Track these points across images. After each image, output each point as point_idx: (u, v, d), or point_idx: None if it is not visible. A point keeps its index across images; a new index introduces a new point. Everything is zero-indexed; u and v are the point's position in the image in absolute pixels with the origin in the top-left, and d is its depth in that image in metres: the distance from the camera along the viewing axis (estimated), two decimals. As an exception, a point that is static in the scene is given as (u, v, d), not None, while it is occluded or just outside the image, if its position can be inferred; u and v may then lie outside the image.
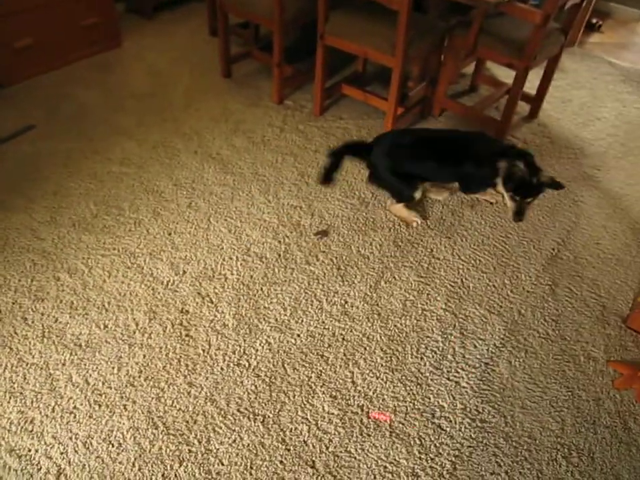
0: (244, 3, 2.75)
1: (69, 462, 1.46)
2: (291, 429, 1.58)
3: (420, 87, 2.89)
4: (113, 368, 1.69)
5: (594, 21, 4.12)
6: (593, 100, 3.30)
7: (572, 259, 2.21)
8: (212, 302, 1.91)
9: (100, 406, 1.59)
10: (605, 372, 1.81)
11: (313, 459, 1.51)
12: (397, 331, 1.86)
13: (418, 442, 1.58)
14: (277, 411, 1.62)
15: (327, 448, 1.54)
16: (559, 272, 2.15)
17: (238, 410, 1.61)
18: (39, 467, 1.44)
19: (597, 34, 4.15)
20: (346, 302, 1.94)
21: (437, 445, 1.58)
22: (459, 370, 1.77)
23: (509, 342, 1.87)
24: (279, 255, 2.09)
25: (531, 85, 2.88)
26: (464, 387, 1.72)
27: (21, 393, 1.60)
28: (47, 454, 1.47)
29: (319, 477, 1.48)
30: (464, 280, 2.06)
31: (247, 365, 1.72)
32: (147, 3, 3.75)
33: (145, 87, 3.06)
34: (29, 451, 1.48)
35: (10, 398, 1.59)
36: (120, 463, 1.47)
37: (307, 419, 1.60)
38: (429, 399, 1.68)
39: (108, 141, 2.62)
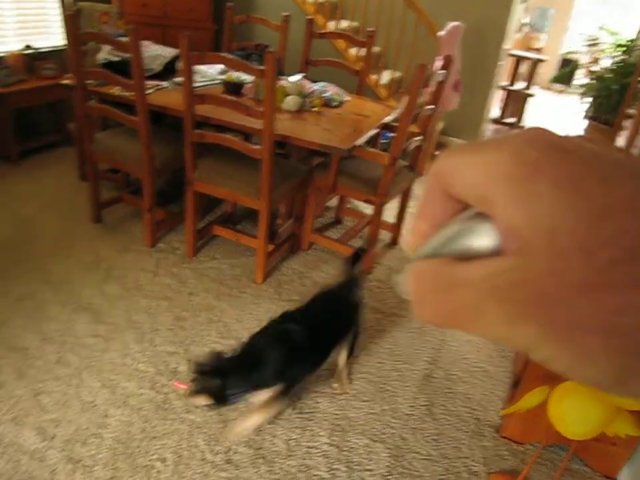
0: (113, 152, 2.83)
1: None
2: None
3: (288, 223, 3.06)
4: None
5: (437, 153, 4.69)
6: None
7: (443, 376, 2.35)
8: (85, 467, 1.77)
9: None
10: (487, 486, 1.89)
11: None
12: (283, 473, 1.83)
13: None
14: None
15: None
16: (433, 391, 2.26)
17: None
18: None
19: (442, 164, 4.71)
20: (229, 449, 1.89)
21: None
22: (349, 507, 1.76)
23: (395, 469, 1.90)
24: (158, 406, 2.01)
25: (391, 212, 3.17)
26: (354, 526, 1.70)
27: None
28: None
29: None
30: (345, 411, 2.10)
31: (125, 537, 1.59)
32: (12, 149, 3.72)
33: (9, 235, 2.95)
34: None
35: None
36: None
37: None
38: None
39: (-34, 296, 2.46)
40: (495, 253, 0.21)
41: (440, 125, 4.80)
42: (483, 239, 0.22)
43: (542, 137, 0.21)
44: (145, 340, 2.33)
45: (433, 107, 2.94)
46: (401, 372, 2.34)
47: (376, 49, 4.94)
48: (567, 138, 0.21)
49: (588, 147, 0.20)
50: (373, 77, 4.63)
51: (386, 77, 4.78)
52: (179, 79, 2.96)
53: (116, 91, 2.83)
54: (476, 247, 0.22)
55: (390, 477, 1.87)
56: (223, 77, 3.11)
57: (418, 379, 2.31)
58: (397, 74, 4.94)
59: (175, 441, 1.89)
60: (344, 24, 4.92)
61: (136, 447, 1.85)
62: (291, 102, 2.80)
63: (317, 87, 3.12)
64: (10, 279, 2.61)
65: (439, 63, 3.23)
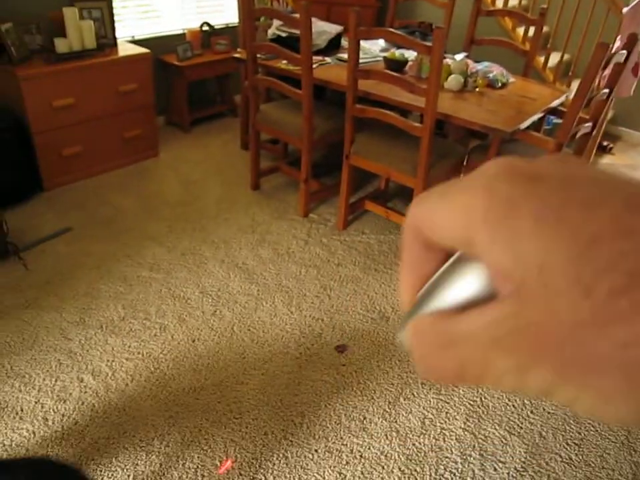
0: (276, 123, 2.97)
1: None
2: None
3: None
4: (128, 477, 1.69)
5: (605, 143, 4.32)
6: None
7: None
8: (233, 411, 1.92)
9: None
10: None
11: None
12: (415, 450, 1.84)
13: None
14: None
15: None
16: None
17: None
18: None
19: (608, 155, 4.33)
20: (365, 417, 1.94)
21: None
22: (479, 495, 1.73)
23: (530, 466, 1.83)
24: (300, 367, 2.12)
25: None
26: (484, 514, 1.68)
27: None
28: None
29: None
30: (483, 399, 2.06)
31: (263, 481, 1.71)
32: (185, 118, 4.04)
33: (177, 196, 3.24)
34: None
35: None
36: None
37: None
38: (449, 525, 1.64)
39: (139, 246, 2.75)
40: (490, 297, 0.20)
41: (609, 113, 4.41)
42: (474, 285, 0.21)
43: (510, 168, 0.19)
44: (293, 304, 2.45)
45: (608, 91, 2.71)
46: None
47: (545, 28, 4.65)
48: (536, 164, 0.20)
49: (560, 171, 0.19)
50: (540, 58, 4.37)
51: (554, 59, 4.49)
52: (342, 55, 3.02)
53: (282, 64, 2.96)
54: (469, 294, 0.21)
55: (524, 473, 1.80)
56: (384, 54, 3.11)
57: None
58: (566, 56, 4.61)
59: (314, 401, 1.98)
60: (513, 2, 4.68)
61: (277, 402, 1.97)
62: (453, 81, 2.73)
63: (480, 66, 3.01)
64: (177, 234, 2.87)
65: (619, 43, 2.97)
